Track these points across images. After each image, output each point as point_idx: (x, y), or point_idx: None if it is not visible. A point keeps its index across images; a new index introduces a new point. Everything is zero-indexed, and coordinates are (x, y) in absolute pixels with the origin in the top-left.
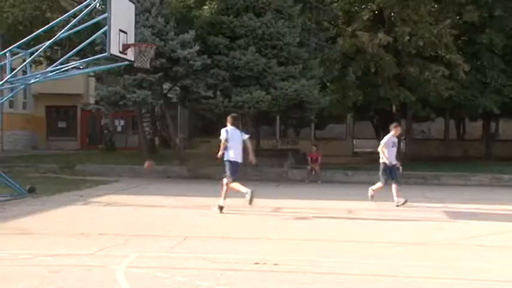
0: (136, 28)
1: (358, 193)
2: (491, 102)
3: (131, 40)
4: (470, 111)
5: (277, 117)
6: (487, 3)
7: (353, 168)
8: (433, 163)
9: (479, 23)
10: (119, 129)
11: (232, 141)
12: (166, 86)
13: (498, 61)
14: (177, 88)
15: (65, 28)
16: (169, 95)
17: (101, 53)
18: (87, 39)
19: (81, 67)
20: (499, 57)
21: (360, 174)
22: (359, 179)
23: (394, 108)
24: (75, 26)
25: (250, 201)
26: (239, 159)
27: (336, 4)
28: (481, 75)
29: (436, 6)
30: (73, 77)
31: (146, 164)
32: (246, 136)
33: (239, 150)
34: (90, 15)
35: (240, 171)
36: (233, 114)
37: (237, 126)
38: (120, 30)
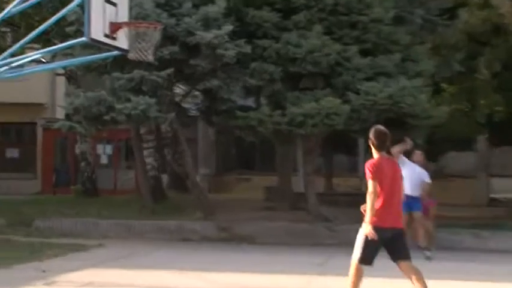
0: None
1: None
2: None
3: (124, 17)
4: None
5: (361, 141)
6: None
7: (490, 226)
8: None
9: None
10: (104, 160)
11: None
12: (179, 90)
13: None
14: (198, 93)
15: None
16: (184, 105)
17: (76, 38)
18: (54, 15)
19: (43, 60)
20: None
21: (503, 236)
22: (501, 245)
23: None
24: None
25: None
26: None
27: None
28: None
29: None
30: (31, 76)
31: None
32: None
33: None
34: None
35: None
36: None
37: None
38: (107, 1)
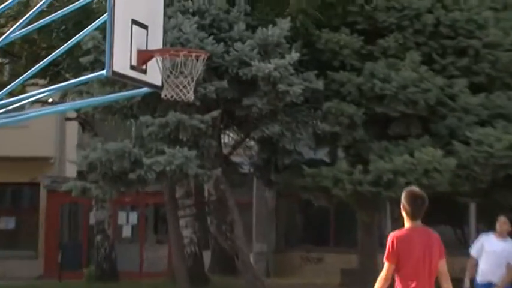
0: (167, 17)
1: None
2: None
3: (157, 43)
4: None
5: (472, 207)
6: None
7: None
8: None
9: None
10: (127, 232)
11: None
12: (228, 139)
13: None
14: (252, 143)
15: (21, 21)
16: (234, 159)
17: (93, 71)
18: (65, 41)
19: (50, 100)
20: None
21: None
22: None
23: None
24: (40, 15)
25: None
26: None
27: None
28: None
29: None
30: (33, 121)
31: None
32: None
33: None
34: None
35: None
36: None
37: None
38: (135, 22)
